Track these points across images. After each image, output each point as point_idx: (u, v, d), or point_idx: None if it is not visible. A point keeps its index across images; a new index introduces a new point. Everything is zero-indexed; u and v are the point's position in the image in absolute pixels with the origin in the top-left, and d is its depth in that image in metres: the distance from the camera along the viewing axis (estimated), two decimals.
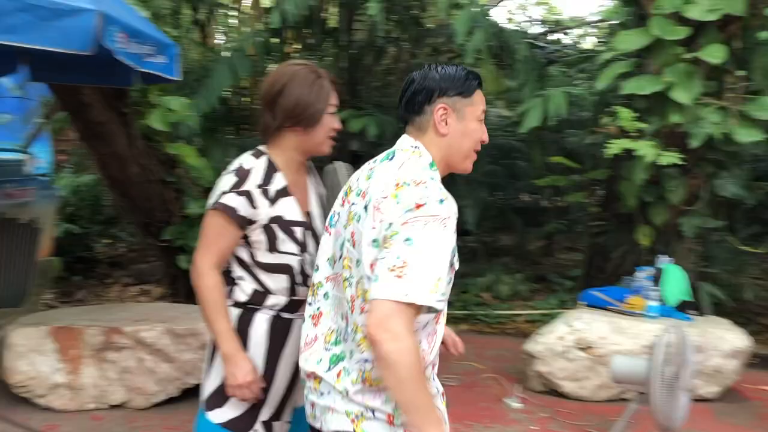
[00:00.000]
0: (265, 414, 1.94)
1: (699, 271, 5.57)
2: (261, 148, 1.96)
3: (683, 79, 4.38)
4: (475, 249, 8.04)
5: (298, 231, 1.91)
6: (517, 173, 7.95)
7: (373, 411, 1.53)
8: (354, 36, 6.91)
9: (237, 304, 1.93)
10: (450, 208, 1.48)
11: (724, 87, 4.59)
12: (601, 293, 4.58)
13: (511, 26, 7.57)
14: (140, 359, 3.81)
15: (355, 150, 6.87)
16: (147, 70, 3.28)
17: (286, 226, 1.90)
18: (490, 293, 6.57)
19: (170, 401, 3.87)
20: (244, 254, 1.92)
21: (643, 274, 4.53)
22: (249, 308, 1.92)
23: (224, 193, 1.87)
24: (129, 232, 7.24)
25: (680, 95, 4.36)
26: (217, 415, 1.92)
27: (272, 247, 1.89)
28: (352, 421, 1.54)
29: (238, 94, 7.89)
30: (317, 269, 1.74)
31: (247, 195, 1.86)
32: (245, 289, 1.92)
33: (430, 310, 1.45)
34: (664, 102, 4.49)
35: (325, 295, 1.68)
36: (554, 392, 4.21)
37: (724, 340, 4.22)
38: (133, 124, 4.74)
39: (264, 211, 1.87)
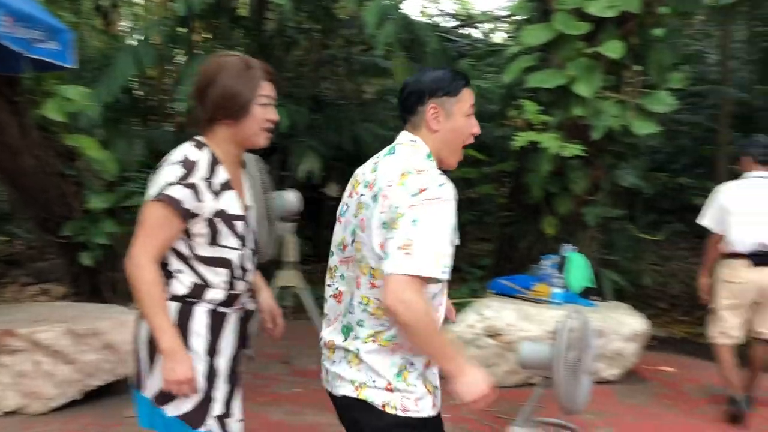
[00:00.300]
0: (216, 409, 1.91)
1: (601, 258, 5.81)
2: (200, 139, 1.92)
3: (585, 73, 4.54)
4: None
5: (240, 225, 1.91)
6: None
7: (374, 380, 1.73)
8: (265, 26, 6.79)
9: (175, 298, 1.89)
10: (448, 191, 1.68)
11: (623, 81, 4.78)
12: (509, 282, 4.71)
13: (422, 19, 7.64)
14: (37, 362, 3.60)
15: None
16: (37, 57, 3.10)
17: (229, 220, 1.89)
18: None
19: (71, 405, 3.69)
20: (182, 247, 1.89)
21: (548, 263, 4.68)
22: (188, 302, 1.89)
23: (170, 184, 1.81)
24: (26, 228, 6.87)
25: (582, 89, 4.51)
26: (171, 410, 1.89)
27: (213, 241, 1.88)
28: (356, 388, 1.75)
29: (145, 84, 7.62)
30: (332, 254, 1.87)
31: (194, 188, 1.82)
32: (184, 282, 1.89)
33: (436, 281, 1.64)
34: (567, 95, 4.64)
35: (342, 276, 1.84)
36: None
37: (624, 325, 4.41)
38: (26, 113, 4.49)
39: (208, 205, 1.85)
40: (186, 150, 1.88)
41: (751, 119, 6.89)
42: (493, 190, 6.47)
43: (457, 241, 1.74)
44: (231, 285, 1.92)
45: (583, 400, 3.38)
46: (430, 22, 7.28)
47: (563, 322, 3.38)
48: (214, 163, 1.88)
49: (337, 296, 1.86)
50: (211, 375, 1.90)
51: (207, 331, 1.90)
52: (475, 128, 1.87)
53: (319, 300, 4.47)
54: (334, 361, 1.82)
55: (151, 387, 1.89)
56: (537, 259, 4.82)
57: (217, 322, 1.92)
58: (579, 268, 4.60)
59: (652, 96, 4.70)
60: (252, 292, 2.06)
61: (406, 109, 1.85)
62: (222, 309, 1.92)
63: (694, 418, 3.91)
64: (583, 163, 5.03)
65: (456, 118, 1.82)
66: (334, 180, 6.54)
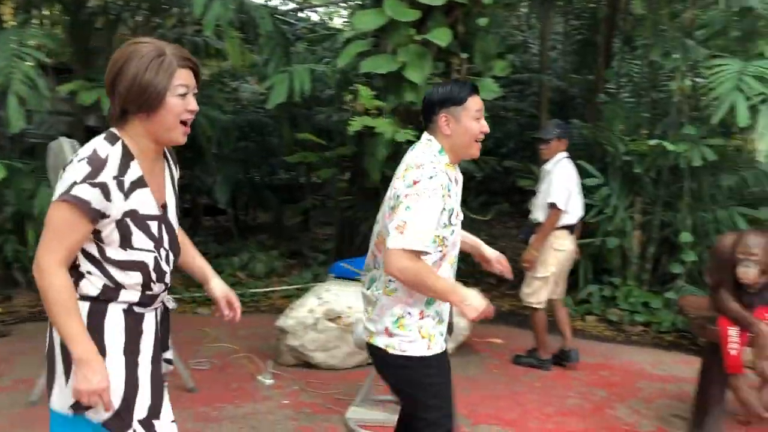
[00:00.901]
0: (139, 412, 1.78)
1: None
2: (114, 131, 1.74)
3: (415, 59, 4.67)
4: (229, 228, 7.91)
5: (154, 226, 1.78)
6: (271, 150, 7.94)
7: (378, 328, 2.26)
8: (87, 1, 6.31)
9: (86, 298, 1.74)
10: (437, 182, 2.12)
11: (452, 68, 4.98)
12: (349, 265, 4.75)
13: (257, 0, 7.46)
14: None
15: (92, 125, 6.33)
16: None
17: (141, 221, 1.74)
18: (246, 272, 6.51)
19: None
20: (92, 249, 1.74)
21: None
22: (100, 301, 1.75)
23: (76, 183, 1.64)
24: None
25: (413, 75, 4.64)
26: (93, 417, 1.75)
27: (125, 244, 1.74)
28: (369, 336, 2.30)
29: None
30: (376, 223, 2.32)
31: (102, 187, 1.65)
32: (95, 283, 1.75)
33: (424, 253, 2.11)
34: (400, 81, 4.75)
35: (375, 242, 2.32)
36: (307, 364, 4.29)
37: None
38: None
39: (118, 206, 1.69)
40: (96, 144, 1.70)
41: (567, 106, 7.47)
42: (333, 175, 6.50)
43: (456, 221, 2.21)
44: (147, 286, 1.79)
45: None
46: (265, 3, 7.14)
47: None
48: (127, 158, 1.71)
49: (372, 255, 2.34)
50: (132, 376, 1.77)
51: (123, 331, 1.77)
52: (484, 128, 2.27)
53: None
54: (364, 318, 2.35)
55: (69, 395, 1.73)
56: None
57: (133, 321, 1.79)
58: None
59: (479, 83, 4.93)
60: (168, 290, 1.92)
61: (425, 118, 2.30)
62: (138, 309, 1.80)
63: (518, 385, 4.19)
64: None
65: (465, 122, 2.24)
66: None
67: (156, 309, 1.87)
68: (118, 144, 1.71)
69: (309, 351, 4.26)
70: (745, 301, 3.22)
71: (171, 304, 1.96)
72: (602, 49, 6.40)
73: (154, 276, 1.79)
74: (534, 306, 4.36)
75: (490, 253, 2.52)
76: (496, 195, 7.29)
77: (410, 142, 4.97)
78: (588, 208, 5.12)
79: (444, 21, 4.82)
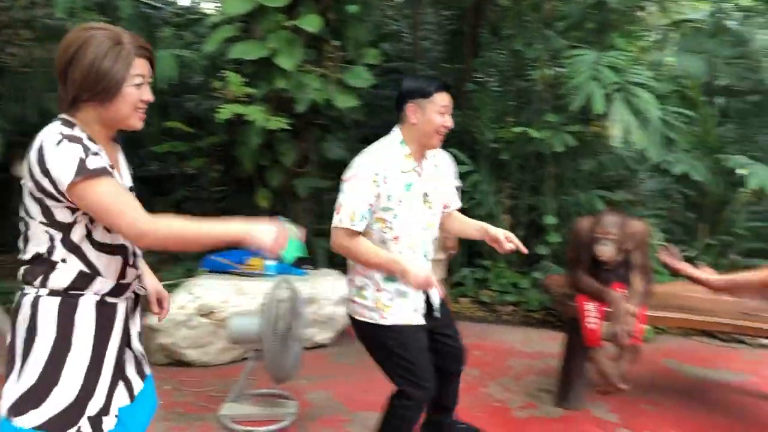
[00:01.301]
0: (92, 408, 1.72)
1: (315, 228, 6.00)
2: (67, 117, 1.69)
3: (285, 46, 4.58)
4: None
5: None
6: (139, 140, 7.54)
7: (348, 297, 2.74)
8: None
9: (55, 292, 1.69)
10: (368, 169, 2.47)
11: (324, 55, 4.93)
12: (221, 257, 4.61)
13: None
14: None
15: None
16: None
17: None
18: None
19: None
20: (76, 233, 1.68)
21: None
22: (70, 294, 1.70)
23: (83, 160, 1.60)
24: None
25: (283, 61, 4.55)
26: (31, 419, 1.65)
27: None
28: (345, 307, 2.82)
29: None
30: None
31: (102, 156, 1.66)
32: (69, 272, 1.69)
33: (353, 231, 2.45)
34: (270, 68, 4.64)
35: None
36: (179, 362, 4.13)
37: (334, 289, 4.61)
38: None
39: None
40: (58, 128, 1.64)
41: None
42: (205, 164, 6.27)
43: (395, 204, 2.50)
44: (122, 273, 1.77)
45: (293, 368, 3.46)
46: None
47: (272, 293, 3.41)
48: (92, 141, 1.68)
49: None
50: (94, 375, 1.72)
51: (94, 326, 1.73)
52: (447, 123, 2.54)
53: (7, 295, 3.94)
54: None
55: (12, 393, 1.66)
56: None
57: (105, 313, 1.76)
58: (291, 239, 4.67)
59: (351, 71, 4.92)
60: (140, 278, 1.90)
61: (396, 108, 2.58)
62: (111, 299, 1.77)
63: None
64: (291, 136, 5.11)
65: (429, 114, 2.51)
66: (21, 158, 5.78)
67: (128, 299, 1.84)
68: (77, 128, 1.68)
69: (181, 348, 4.10)
70: (601, 278, 3.41)
71: (142, 291, 1.94)
72: (470, 39, 6.56)
73: (131, 260, 1.80)
74: None
75: (496, 232, 2.64)
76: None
77: (284, 131, 4.93)
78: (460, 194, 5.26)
79: (314, 7, 4.76)
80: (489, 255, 5.95)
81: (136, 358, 1.90)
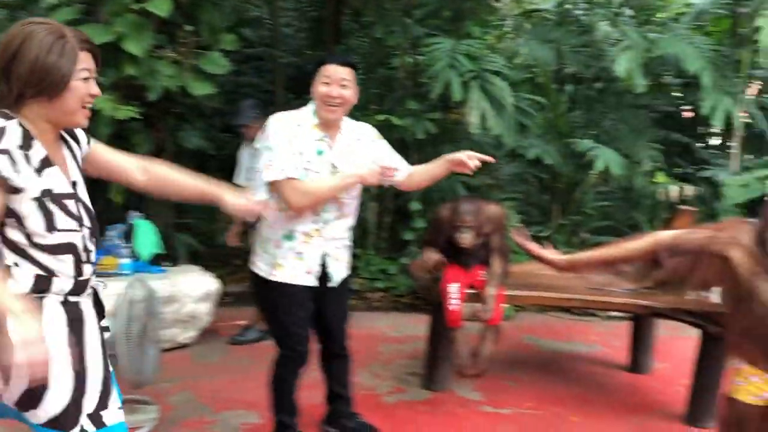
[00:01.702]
0: (88, 406, 1.73)
1: (175, 222, 5.74)
2: (6, 111, 1.64)
3: (133, 30, 4.30)
4: None
5: (71, 204, 1.70)
6: None
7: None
8: None
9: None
10: (284, 123, 2.67)
11: (177, 41, 4.69)
12: None
13: None
14: None
15: None
16: None
17: (59, 199, 1.67)
18: None
19: None
20: (18, 238, 1.65)
21: (113, 233, 4.41)
22: (33, 297, 1.66)
23: None
24: None
25: (132, 47, 4.27)
26: (39, 415, 1.67)
27: (51, 226, 1.66)
28: None
29: None
30: None
31: (8, 154, 1.58)
32: (25, 275, 1.66)
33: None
34: (118, 53, 4.34)
35: None
36: None
37: (196, 286, 4.42)
38: None
39: (30, 181, 1.62)
40: None
41: (303, 82, 7.50)
42: None
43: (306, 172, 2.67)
44: (78, 271, 1.73)
45: (152, 371, 3.28)
46: None
47: (124, 293, 3.21)
48: (27, 136, 1.63)
49: None
50: (81, 370, 1.72)
51: (65, 323, 1.70)
52: (332, 93, 2.63)
53: None
54: None
55: (13, 392, 1.65)
56: (103, 231, 4.50)
57: (73, 312, 1.73)
58: (146, 235, 4.43)
59: (207, 57, 4.71)
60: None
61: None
62: (73, 298, 1.74)
63: (264, 365, 4.13)
64: (145, 125, 4.83)
65: (317, 85, 2.66)
66: None
67: (90, 295, 1.81)
68: (14, 121, 1.63)
69: None
70: (463, 262, 3.50)
71: (102, 286, 1.90)
72: (332, 26, 6.51)
73: (83, 257, 1.75)
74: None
75: (457, 156, 2.75)
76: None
77: (136, 120, 4.64)
78: None
79: None
80: (358, 243, 5.96)
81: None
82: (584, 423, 3.47)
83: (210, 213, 6.10)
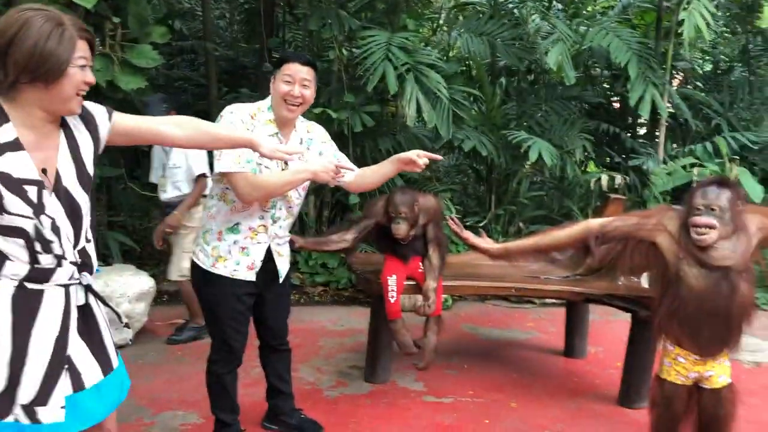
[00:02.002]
0: (23, 397, 1.72)
1: (107, 220, 5.57)
2: None
3: None
4: None
5: (32, 191, 1.69)
6: None
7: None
8: None
9: None
10: (238, 114, 2.65)
11: (105, 34, 4.53)
12: None
13: None
14: None
15: None
16: None
17: (16, 184, 1.67)
18: None
19: None
20: None
21: None
22: None
23: None
24: None
25: None
26: None
27: (1, 208, 1.67)
28: None
29: None
30: None
31: None
32: None
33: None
34: None
35: None
36: None
37: (131, 286, 4.31)
38: None
39: None
40: None
41: (238, 75, 7.40)
42: None
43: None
44: (33, 258, 1.73)
45: None
46: None
47: None
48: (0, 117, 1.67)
49: None
50: (18, 358, 1.71)
51: (10, 308, 1.71)
52: (293, 92, 2.64)
53: None
54: None
55: None
56: None
57: (24, 299, 1.73)
58: None
59: (135, 50, 4.58)
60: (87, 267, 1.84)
61: None
62: (32, 285, 1.74)
63: (204, 364, 4.07)
64: None
65: (277, 82, 2.68)
66: None
67: (66, 287, 1.78)
68: None
69: None
70: (400, 254, 3.51)
71: (88, 280, 1.85)
72: (266, 18, 6.42)
73: (38, 246, 1.72)
74: (182, 278, 4.27)
75: (406, 155, 2.78)
76: None
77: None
78: None
79: None
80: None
81: (97, 349, 1.88)
82: (523, 408, 3.55)
83: (143, 210, 5.96)
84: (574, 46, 5.56)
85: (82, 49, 1.71)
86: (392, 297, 3.39)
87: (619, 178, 5.85)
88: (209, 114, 6.99)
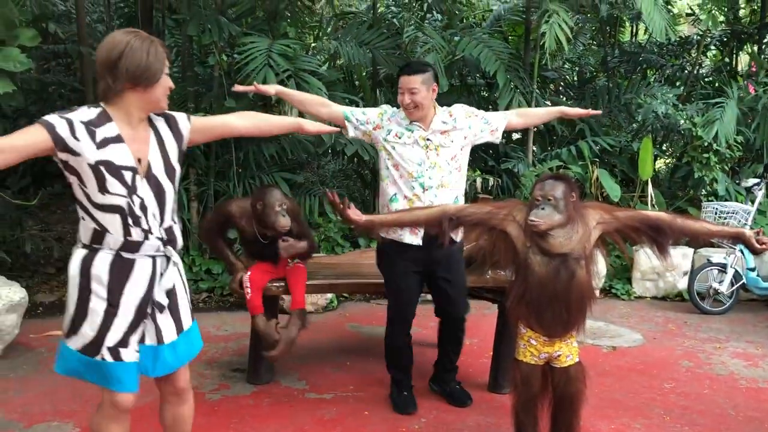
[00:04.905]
0: (110, 340, 2.19)
1: None
2: (99, 103, 2.17)
3: None
4: None
5: (128, 175, 2.15)
6: None
7: None
8: None
9: (82, 245, 2.20)
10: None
11: None
12: None
13: None
14: None
15: None
16: None
17: (116, 170, 2.13)
18: None
19: None
20: (80, 195, 2.14)
21: None
22: (92, 248, 2.18)
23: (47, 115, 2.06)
24: None
25: None
26: (72, 342, 2.21)
27: (102, 189, 2.12)
28: None
29: None
30: None
31: (69, 121, 2.06)
32: (87, 227, 2.17)
33: None
34: None
35: None
36: None
37: (0, 298, 4.14)
38: None
39: (88, 150, 2.08)
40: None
41: None
42: None
43: None
44: (127, 231, 2.17)
45: None
46: None
47: None
48: (104, 118, 2.13)
49: None
50: (110, 314, 2.18)
51: (108, 276, 2.17)
52: (401, 101, 3.27)
53: None
54: None
55: (64, 321, 2.23)
56: None
57: (120, 265, 2.19)
58: None
59: (2, 53, 4.41)
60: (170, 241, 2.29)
61: None
62: (127, 255, 2.19)
63: None
64: None
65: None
66: None
67: (153, 257, 2.24)
68: (96, 108, 2.15)
69: None
70: (267, 256, 3.64)
71: (170, 253, 2.28)
72: (143, 22, 6.30)
73: (130, 220, 2.16)
74: None
75: (572, 111, 3.83)
76: (45, 177, 6.66)
77: None
78: None
79: None
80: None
81: (174, 311, 2.33)
82: None
83: (14, 219, 5.70)
84: (448, 57, 5.85)
85: (167, 61, 2.20)
86: (248, 293, 3.53)
87: (492, 181, 6.20)
88: None
